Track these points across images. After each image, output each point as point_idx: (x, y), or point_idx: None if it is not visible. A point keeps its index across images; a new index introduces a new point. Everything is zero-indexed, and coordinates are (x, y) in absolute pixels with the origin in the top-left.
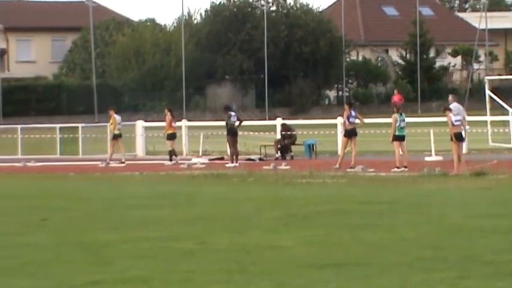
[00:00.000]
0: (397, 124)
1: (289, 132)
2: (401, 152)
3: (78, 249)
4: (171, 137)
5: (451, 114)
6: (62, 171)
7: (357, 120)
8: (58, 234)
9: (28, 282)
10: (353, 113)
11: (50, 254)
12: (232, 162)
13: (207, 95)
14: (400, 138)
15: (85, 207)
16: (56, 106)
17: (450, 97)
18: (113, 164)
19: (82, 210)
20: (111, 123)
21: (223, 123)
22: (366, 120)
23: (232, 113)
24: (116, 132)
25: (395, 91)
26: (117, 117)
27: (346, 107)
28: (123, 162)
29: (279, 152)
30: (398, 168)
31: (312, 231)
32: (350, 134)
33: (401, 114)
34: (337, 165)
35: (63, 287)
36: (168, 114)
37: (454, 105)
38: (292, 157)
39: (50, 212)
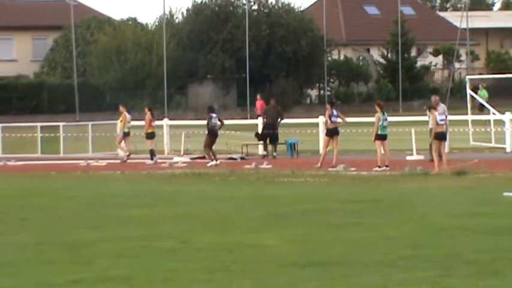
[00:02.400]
0: (380, 123)
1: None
2: (383, 151)
3: (59, 249)
4: (150, 136)
5: (436, 113)
6: (43, 170)
7: (339, 119)
8: (39, 233)
9: (8, 281)
10: (335, 112)
11: (31, 254)
12: (212, 161)
13: (189, 94)
14: (382, 137)
15: (66, 206)
16: (37, 105)
17: (437, 98)
18: (93, 163)
19: (63, 209)
20: (121, 121)
21: (204, 122)
22: (348, 119)
23: (214, 115)
24: (126, 130)
25: (258, 96)
26: (128, 116)
27: (327, 106)
28: (125, 161)
29: (263, 148)
30: (379, 167)
31: (294, 230)
32: (332, 133)
33: (383, 114)
34: (319, 164)
35: (43, 286)
36: (148, 113)
37: (441, 106)
38: (274, 156)
39: (31, 211)
